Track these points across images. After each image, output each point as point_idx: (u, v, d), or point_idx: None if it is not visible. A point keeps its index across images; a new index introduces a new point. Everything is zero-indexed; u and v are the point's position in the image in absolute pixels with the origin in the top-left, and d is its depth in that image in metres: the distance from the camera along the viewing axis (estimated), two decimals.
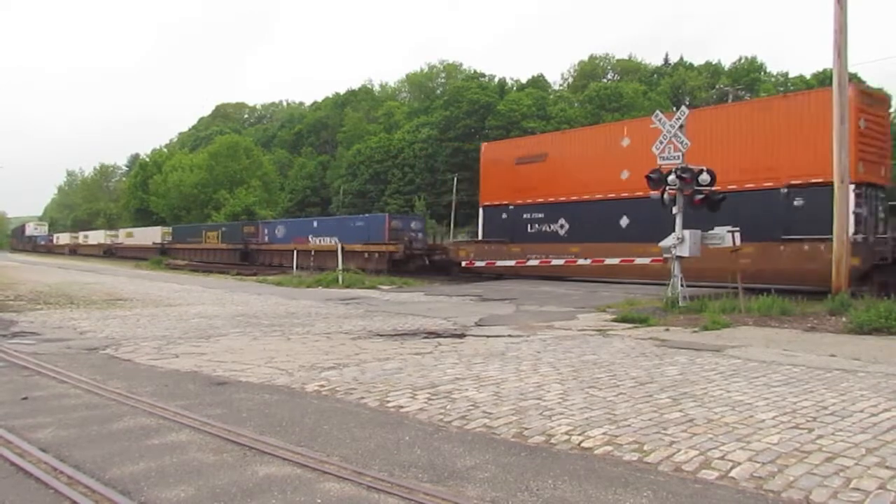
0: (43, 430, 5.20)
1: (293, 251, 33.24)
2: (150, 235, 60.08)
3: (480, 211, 27.95)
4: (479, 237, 28.08)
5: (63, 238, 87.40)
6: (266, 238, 41.93)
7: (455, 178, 63.11)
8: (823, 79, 62.71)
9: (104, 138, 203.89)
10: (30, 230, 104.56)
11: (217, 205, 64.97)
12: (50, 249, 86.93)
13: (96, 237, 75.40)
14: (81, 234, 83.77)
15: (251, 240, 43.58)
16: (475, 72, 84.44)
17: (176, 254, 51.96)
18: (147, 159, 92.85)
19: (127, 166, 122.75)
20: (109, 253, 65.34)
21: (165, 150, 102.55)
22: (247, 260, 43.04)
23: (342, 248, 27.42)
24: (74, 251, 77.63)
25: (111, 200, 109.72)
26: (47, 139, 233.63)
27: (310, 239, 36.42)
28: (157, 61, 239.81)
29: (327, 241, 33.90)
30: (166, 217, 71.77)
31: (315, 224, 38.94)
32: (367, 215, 39.60)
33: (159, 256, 51.22)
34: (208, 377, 7.33)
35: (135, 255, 57.98)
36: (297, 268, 31.05)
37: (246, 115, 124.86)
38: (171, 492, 3.93)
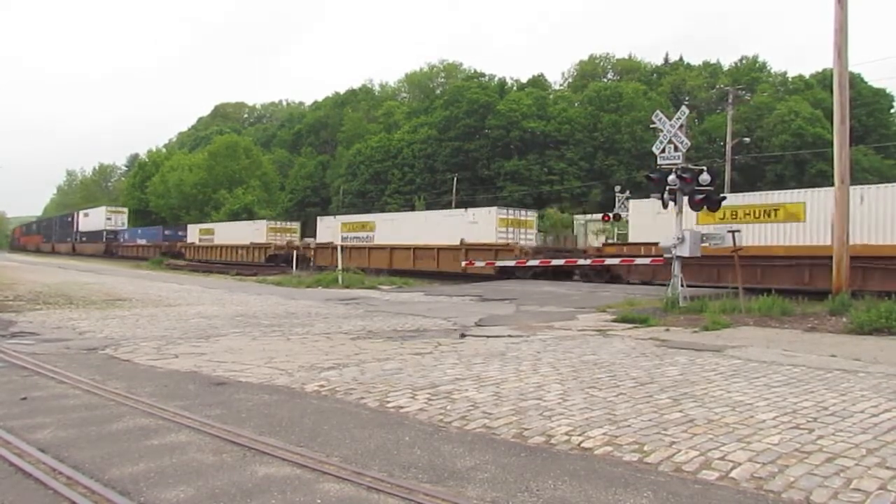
0: (42, 430, 5.18)
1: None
2: None
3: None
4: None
5: (233, 233, 45.84)
6: None
7: (455, 178, 63.09)
8: (823, 79, 62.81)
9: (104, 138, 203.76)
10: (94, 221, 67.68)
11: (217, 204, 65.06)
12: (175, 252, 51.39)
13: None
14: (338, 223, 36.95)
15: None
16: (475, 71, 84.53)
17: None
18: (146, 159, 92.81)
19: (126, 166, 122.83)
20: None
21: (164, 150, 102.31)
22: None
23: (340, 248, 27.42)
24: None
25: (110, 200, 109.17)
26: (47, 139, 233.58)
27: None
28: (156, 61, 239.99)
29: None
30: (166, 217, 71.80)
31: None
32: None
33: None
34: (208, 377, 7.32)
35: None
36: (296, 267, 31.04)
37: (245, 115, 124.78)
38: (171, 492, 3.92)
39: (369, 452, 4.68)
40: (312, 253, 36.50)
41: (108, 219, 67.13)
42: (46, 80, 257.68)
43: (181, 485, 4.03)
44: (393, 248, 32.80)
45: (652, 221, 21.96)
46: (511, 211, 31.00)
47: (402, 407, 5.99)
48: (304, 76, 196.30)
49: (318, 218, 41.04)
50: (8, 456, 4.53)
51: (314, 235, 43.37)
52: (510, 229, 29.42)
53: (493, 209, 30.47)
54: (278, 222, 47.04)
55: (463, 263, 27.75)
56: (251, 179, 70.24)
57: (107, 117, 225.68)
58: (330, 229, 37.31)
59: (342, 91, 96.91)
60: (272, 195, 74.76)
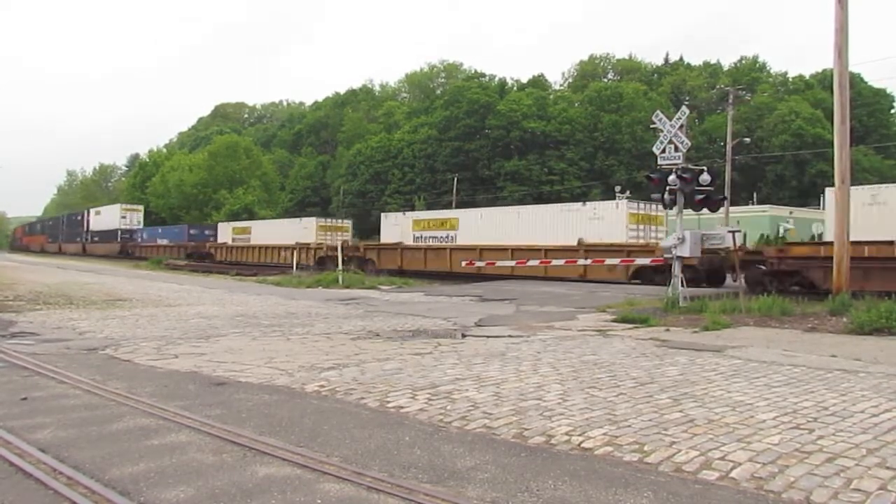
0: (42, 430, 5.19)
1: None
2: None
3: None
4: None
5: (275, 232, 42.92)
6: None
7: (455, 178, 63.11)
8: (823, 79, 62.87)
9: (104, 138, 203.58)
10: (107, 220, 62.30)
11: (217, 205, 65.09)
12: (203, 253, 47.13)
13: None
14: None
15: None
16: (475, 71, 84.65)
17: None
18: (147, 159, 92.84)
19: (126, 166, 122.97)
20: None
21: (164, 150, 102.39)
22: None
23: (340, 248, 27.41)
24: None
25: (110, 200, 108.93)
26: (47, 139, 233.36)
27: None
28: (156, 61, 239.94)
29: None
30: (166, 217, 71.81)
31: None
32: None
33: None
34: (208, 377, 7.32)
35: None
36: (296, 268, 31.02)
37: (246, 115, 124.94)
38: (171, 492, 3.92)
39: (369, 452, 4.68)
40: (377, 255, 31.94)
41: (123, 217, 60.96)
42: (46, 80, 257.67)
43: (181, 485, 4.03)
44: (483, 250, 27.76)
45: (858, 215, 17.27)
46: (642, 205, 25.82)
47: (402, 407, 5.99)
48: (304, 76, 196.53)
49: (383, 215, 36.65)
50: (8, 456, 4.53)
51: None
52: (640, 226, 25.00)
53: (623, 202, 25.63)
54: (329, 220, 42.59)
55: (463, 263, 27.45)
56: (251, 179, 70.30)
57: (107, 117, 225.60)
58: (398, 227, 33.50)
59: (342, 91, 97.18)
60: (272, 195, 74.84)
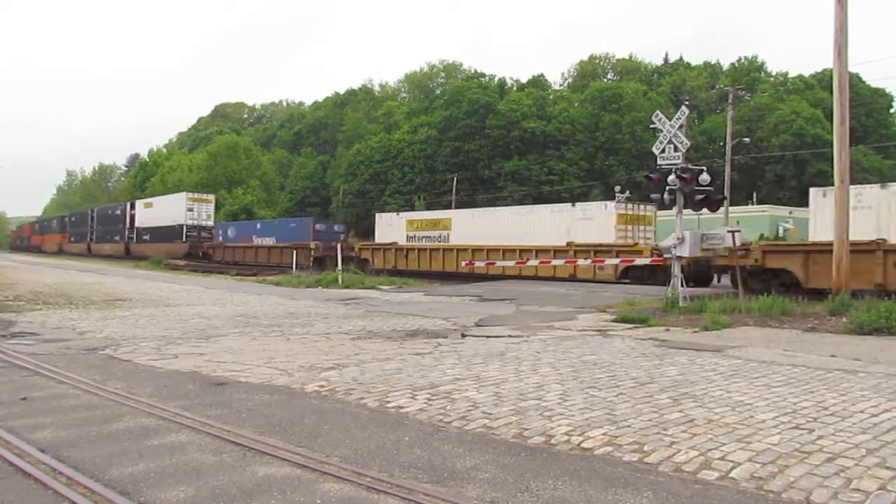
0: (42, 430, 5.18)
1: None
2: None
3: None
4: None
5: (509, 224, 28.00)
6: None
7: (455, 178, 63.07)
8: (823, 79, 62.88)
9: (104, 138, 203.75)
10: (164, 213, 46.40)
11: (216, 205, 65.12)
12: (354, 259, 29.11)
13: None
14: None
15: None
16: (475, 71, 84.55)
17: None
18: (147, 159, 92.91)
19: (126, 166, 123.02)
20: None
21: (164, 150, 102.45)
22: None
23: (340, 248, 27.37)
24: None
25: (110, 201, 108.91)
26: (47, 139, 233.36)
27: None
28: (157, 61, 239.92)
29: None
30: None
31: None
32: None
33: None
34: (208, 377, 7.32)
35: None
36: (296, 267, 31.01)
37: (245, 115, 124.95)
38: (171, 492, 3.92)
39: (369, 452, 4.68)
40: (804, 267, 17.27)
41: (190, 209, 44.63)
42: (46, 80, 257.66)
43: (181, 485, 4.03)
44: None
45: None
46: None
47: (402, 407, 5.99)
48: (304, 76, 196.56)
49: (813, 191, 21.82)
50: (8, 456, 4.52)
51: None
52: None
53: None
54: (629, 206, 26.83)
55: (463, 263, 27.43)
56: (251, 179, 70.39)
57: (107, 117, 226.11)
58: (873, 209, 18.75)
59: (342, 91, 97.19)
60: (272, 195, 74.93)
